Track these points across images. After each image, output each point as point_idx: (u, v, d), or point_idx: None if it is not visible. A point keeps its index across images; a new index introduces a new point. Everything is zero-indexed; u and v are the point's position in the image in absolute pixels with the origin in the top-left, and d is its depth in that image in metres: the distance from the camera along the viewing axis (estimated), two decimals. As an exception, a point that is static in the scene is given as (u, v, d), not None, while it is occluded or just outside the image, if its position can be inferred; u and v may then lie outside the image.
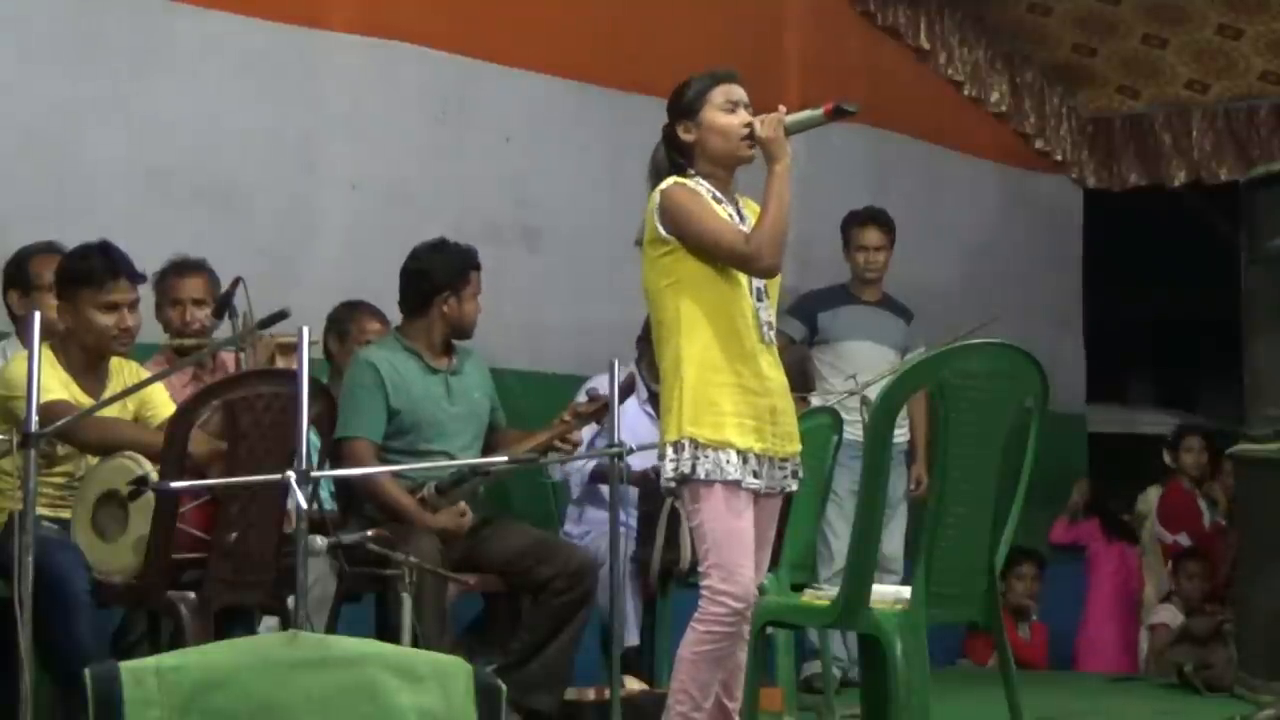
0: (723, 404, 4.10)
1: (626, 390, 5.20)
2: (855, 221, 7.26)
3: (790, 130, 4.17)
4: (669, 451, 4.10)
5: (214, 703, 2.47)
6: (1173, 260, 10.82)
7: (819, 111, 4.19)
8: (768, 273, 4.19)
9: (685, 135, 4.23)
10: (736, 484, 4.08)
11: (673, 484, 4.13)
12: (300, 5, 6.38)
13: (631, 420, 5.76)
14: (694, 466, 4.07)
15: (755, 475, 4.12)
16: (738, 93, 4.23)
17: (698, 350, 4.12)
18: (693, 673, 4.10)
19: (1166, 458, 8.82)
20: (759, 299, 4.21)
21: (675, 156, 4.24)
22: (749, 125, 4.18)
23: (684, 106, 4.24)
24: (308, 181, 6.38)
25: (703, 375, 4.11)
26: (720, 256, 4.14)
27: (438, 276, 5.44)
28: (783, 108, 4.22)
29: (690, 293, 4.14)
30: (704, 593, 4.12)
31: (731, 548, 4.07)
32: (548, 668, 5.30)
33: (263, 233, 6.15)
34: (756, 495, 4.14)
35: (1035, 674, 7.76)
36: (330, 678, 2.53)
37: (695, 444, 4.08)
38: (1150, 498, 8.95)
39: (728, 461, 4.08)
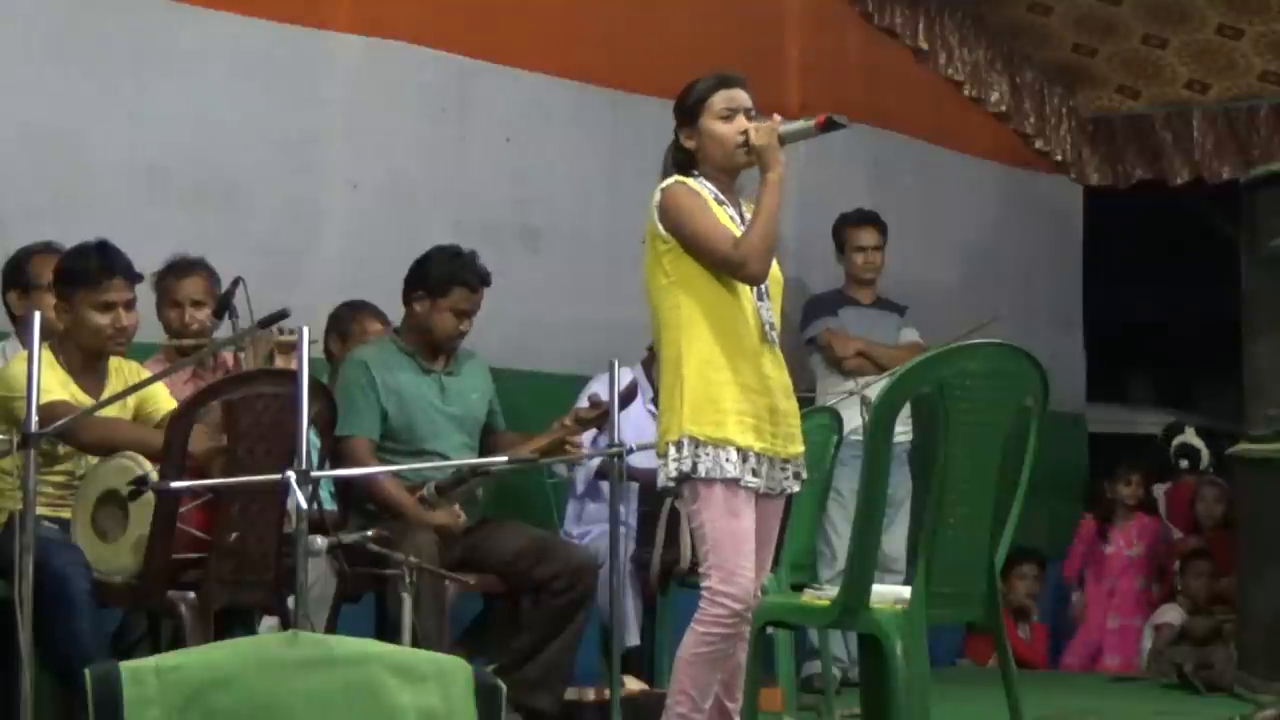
0: (723, 401, 4.10)
1: (628, 397, 5.20)
2: (851, 222, 7.25)
3: (784, 140, 4.17)
4: (670, 450, 4.10)
5: (214, 703, 2.47)
6: (1173, 260, 10.82)
7: (811, 123, 4.19)
8: (752, 279, 4.18)
9: (687, 141, 4.24)
10: (735, 482, 4.07)
11: (672, 482, 4.13)
12: (300, 5, 6.37)
13: (636, 421, 5.75)
14: (694, 464, 4.06)
15: (755, 474, 4.11)
16: (739, 98, 4.22)
17: (698, 348, 4.12)
18: (692, 674, 4.09)
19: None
20: (760, 299, 4.21)
21: (682, 159, 4.25)
22: (745, 133, 4.18)
23: (685, 112, 4.24)
24: (308, 181, 6.37)
25: (703, 373, 4.11)
26: (708, 259, 4.14)
27: (421, 277, 5.45)
28: (777, 116, 4.22)
29: (690, 291, 4.14)
30: (704, 594, 4.11)
31: (732, 549, 4.07)
32: (548, 668, 5.30)
33: (263, 232, 6.14)
34: (757, 495, 4.14)
35: (1035, 674, 7.75)
36: (330, 678, 2.53)
37: (695, 442, 4.07)
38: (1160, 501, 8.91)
39: (727, 459, 4.07)
